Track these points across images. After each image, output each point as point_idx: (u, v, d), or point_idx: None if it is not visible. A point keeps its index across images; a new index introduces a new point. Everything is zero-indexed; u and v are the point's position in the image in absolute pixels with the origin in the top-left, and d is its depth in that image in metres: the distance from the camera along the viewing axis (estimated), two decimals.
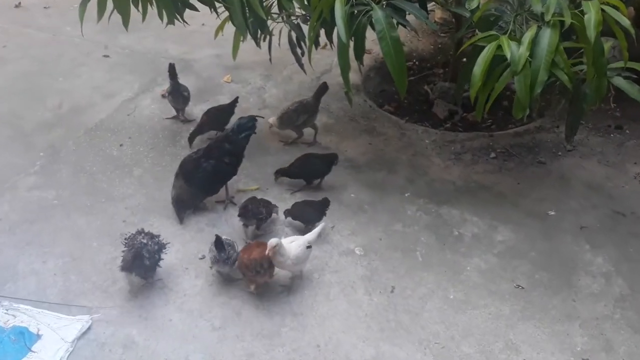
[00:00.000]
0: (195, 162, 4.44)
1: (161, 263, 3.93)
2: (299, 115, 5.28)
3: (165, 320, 3.75)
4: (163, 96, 5.85)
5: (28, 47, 6.82)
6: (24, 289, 3.90)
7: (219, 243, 3.82)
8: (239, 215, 4.30)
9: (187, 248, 4.25)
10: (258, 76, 6.36)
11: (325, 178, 4.86)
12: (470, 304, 3.94)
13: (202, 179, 4.41)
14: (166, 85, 5.86)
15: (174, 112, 5.56)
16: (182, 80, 5.57)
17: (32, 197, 4.65)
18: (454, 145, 5.42)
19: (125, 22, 4.50)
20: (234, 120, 5.06)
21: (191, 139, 5.15)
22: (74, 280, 3.97)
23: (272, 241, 3.74)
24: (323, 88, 5.33)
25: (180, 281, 4.00)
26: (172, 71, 5.44)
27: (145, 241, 3.80)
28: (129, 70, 6.35)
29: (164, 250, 3.89)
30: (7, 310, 3.75)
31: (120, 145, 5.26)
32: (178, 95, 5.51)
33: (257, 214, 4.28)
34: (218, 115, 5.28)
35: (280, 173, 4.82)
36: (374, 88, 6.40)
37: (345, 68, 4.07)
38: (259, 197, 4.48)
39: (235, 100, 5.39)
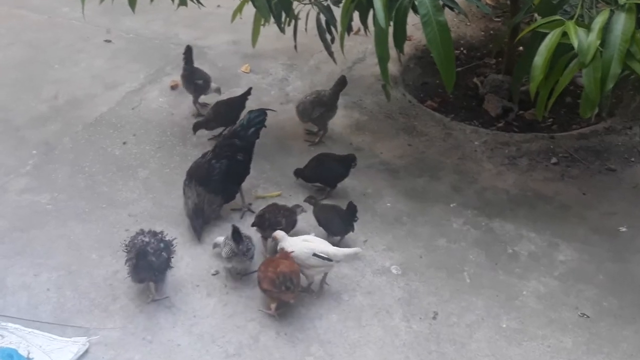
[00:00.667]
0: (207, 165, 4.52)
1: (169, 278, 3.97)
2: (314, 108, 5.33)
3: (172, 345, 3.78)
4: (172, 87, 5.93)
5: (20, 31, 6.97)
6: (14, 305, 3.97)
7: (236, 234, 3.89)
8: (253, 225, 4.34)
9: (198, 262, 4.29)
10: (280, 66, 6.41)
11: (344, 182, 4.89)
12: (526, 334, 3.90)
13: (219, 181, 4.49)
14: (176, 75, 5.96)
15: (184, 107, 5.63)
16: None
17: (23, 201, 4.74)
18: (508, 147, 5.39)
19: (132, 2, 4.57)
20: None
21: (195, 128, 5.25)
22: (70, 297, 4.03)
23: (279, 232, 3.97)
24: (342, 82, 5.36)
25: (190, 300, 4.03)
26: (187, 55, 5.55)
27: (147, 239, 3.85)
28: (133, 58, 6.44)
29: (172, 248, 3.93)
30: None
31: (124, 143, 5.34)
32: (190, 82, 5.60)
33: (275, 224, 4.30)
34: (227, 110, 5.33)
35: (297, 174, 4.90)
36: (415, 80, 6.40)
37: (383, 57, 4.07)
38: (280, 203, 4.51)
39: (247, 93, 5.42)
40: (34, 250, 4.34)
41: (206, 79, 5.65)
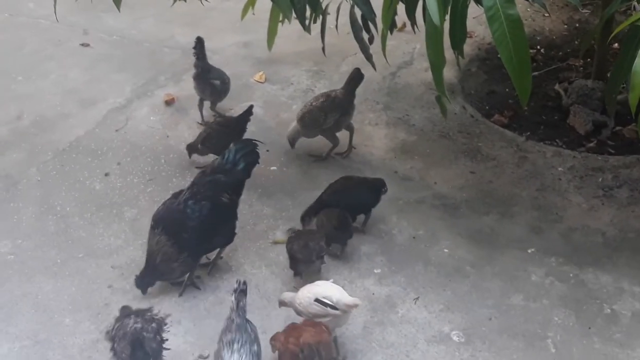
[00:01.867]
0: (181, 207, 4.47)
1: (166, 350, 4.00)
2: (326, 115, 5.40)
3: None
4: (167, 103, 6.03)
5: None
6: None
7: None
8: (293, 265, 4.51)
9: (200, 328, 4.31)
10: (304, 73, 6.49)
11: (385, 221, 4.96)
12: None
13: (195, 231, 4.44)
14: (172, 87, 6.08)
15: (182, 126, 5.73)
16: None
17: None
18: (603, 175, 5.38)
19: None
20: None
21: (189, 151, 5.39)
22: None
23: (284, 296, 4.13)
24: (356, 76, 5.46)
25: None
26: (199, 49, 5.73)
27: (139, 324, 3.86)
28: (117, 67, 6.57)
29: (164, 328, 3.95)
30: None
31: (106, 174, 5.42)
32: (204, 82, 5.76)
33: (320, 252, 4.51)
34: (220, 134, 5.37)
35: (308, 215, 4.89)
36: (478, 89, 6.44)
37: (437, 61, 4.10)
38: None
39: (248, 112, 5.46)
40: None
41: (224, 80, 5.80)
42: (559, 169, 5.45)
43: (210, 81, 5.76)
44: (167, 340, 3.95)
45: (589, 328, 4.30)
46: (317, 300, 4.00)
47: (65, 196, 5.23)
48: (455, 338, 4.25)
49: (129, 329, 3.85)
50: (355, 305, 4.05)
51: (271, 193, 5.23)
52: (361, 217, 4.96)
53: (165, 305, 4.34)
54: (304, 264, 4.50)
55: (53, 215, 5.07)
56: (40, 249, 4.83)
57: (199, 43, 5.75)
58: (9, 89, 6.36)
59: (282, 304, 4.20)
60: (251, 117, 5.45)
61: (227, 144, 5.00)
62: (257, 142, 4.72)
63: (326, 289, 4.09)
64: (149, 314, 3.96)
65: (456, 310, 4.41)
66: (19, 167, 5.50)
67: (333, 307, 3.99)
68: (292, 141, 5.53)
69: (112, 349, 3.89)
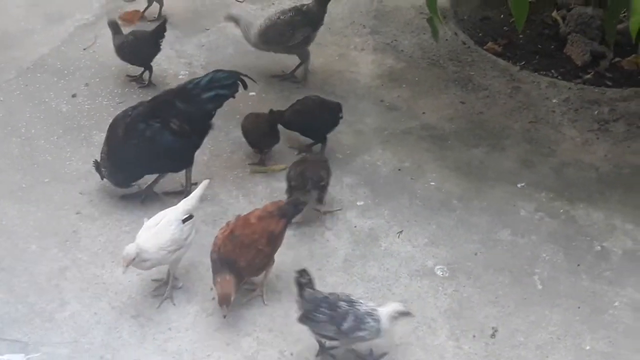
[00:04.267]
0: (129, 124, 4.54)
1: (130, 279, 4.08)
2: (294, 29, 5.43)
3: None
4: (124, 21, 5.99)
5: None
6: None
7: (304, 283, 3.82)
8: (289, 191, 4.54)
9: None
10: None
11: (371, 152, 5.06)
12: (617, 359, 3.98)
13: (132, 148, 4.51)
14: (142, 2, 6.06)
15: None
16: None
17: None
18: (599, 108, 5.45)
19: None
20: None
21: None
22: (2, 301, 4.13)
23: (128, 250, 3.90)
24: None
25: (163, 307, 4.14)
26: None
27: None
28: None
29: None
30: None
31: (73, 95, 5.45)
32: None
33: (319, 181, 4.55)
34: (133, 44, 5.48)
35: (273, 115, 5.00)
36: (472, 14, 6.44)
37: None
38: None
39: (161, 27, 5.51)
40: None
41: None
42: (554, 100, 5.51)
43: None
44: None
45: (578, 265, 4.41)
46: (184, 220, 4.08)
47: (30, 117, 5.26)
48: (439, 272, 4.36)
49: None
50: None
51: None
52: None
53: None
54: (298, 191, 4.53)
55: (17, 138, 5.10)
56: (3, 172, 4.86)
57: None
58: None
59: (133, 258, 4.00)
60: (165, 33, 5.50)
61: (140, 55, 5.46)
62: (242, 76, 4.70)
63: (183, 207, 4.13)
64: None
65: (441, 245, 4.51)
66: None
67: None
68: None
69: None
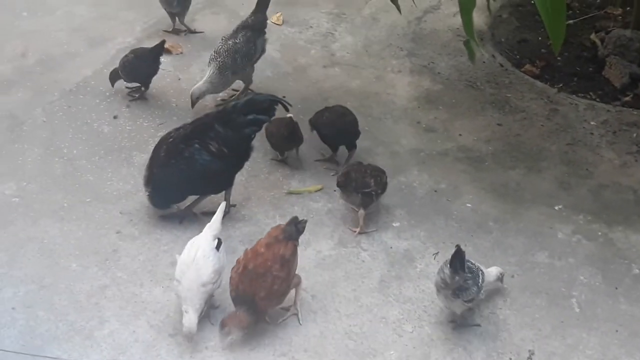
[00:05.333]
0: (170, 145, 4.61)
1: (167, 298, 4.12)
2: (255, 43, 5.53)
3: None
4: (170, 51, 6.08)
5: None
6: None
7: (457, 259, 3.90)
8: (338, 185, 4.66)
9: None
10: (324, 16, 6.53)
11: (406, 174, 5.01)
12: None
13: (173, 174, 4.58)
14: (183, 27, 6.15)
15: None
16: (207, 21, 5.76)
17: None
18: (638, 130, 5.44)
19: None
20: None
21: (111, 79, 5.62)
22: (43, 319, 4.17)
23: (189, 327, 3.93)
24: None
25: (200, 326, 4.11)
26: None
27: None
28: (127, 4, 6.63)
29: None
30: None
31: (115, 117, 5.52)
32: None
33: (363, 186, 4.60)
34: (134, 63, 5.58)
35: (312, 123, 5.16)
36: (509, 37, 6.45)
37: (467, 4, 4.13)
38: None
39: (160, 45, 5.64)
40: None
41: None
42: (592, 122, 5.50)
43: None
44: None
45: (616, 288, 4.38)
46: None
47: (72, 138, 5.33)
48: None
49: None
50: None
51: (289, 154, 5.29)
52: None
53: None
54: (342, 190, 4.67)
55: (59, 158, 5.17)
56: (46, 192, 4.92)
57: None
58: (13, 25, 6.43)
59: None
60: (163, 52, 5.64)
61: (141, 72, 5.59)
62: (280, 101, 4.75)
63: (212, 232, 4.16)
64: None
65: None
66: (24, 107, 5.58)
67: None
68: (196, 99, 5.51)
69: None
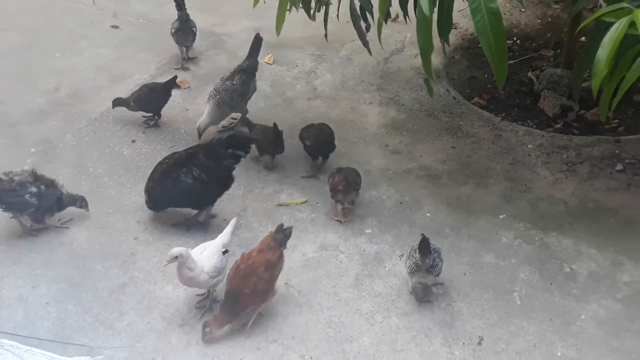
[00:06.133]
0: (164, 168, 4.65)
1: (177, 294, 4.08)
2: (249, 84, 5.51)
3: None
4: (180, 86, 6.08)
5: (15, 14, 7.17)
6: (10, 320, 4.11)
7: (424, 245, 4.00)
8: (338, 189, 4.72)
9: None
10: (308, 57, 6.54)
11: (378, 189, 5.01)
12: None
13: (165, 189, 4.63)
14: (190, 65, 6.16)
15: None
16: (211, 59, 5.75)
17: None
18: (567, 152, 5.45)
19: None
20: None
21: (114, 103, 5.59)
22: (72, 312, 4.16)
23: (174, 250, 3.93)
24: (258, 41, 5.58)
25: (205, 317, 4.13)
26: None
27: None
28: (143, 46, 6.61)
29: None
30: None
31: (133, 141, 5.50)
32: (187, 29, 6.13)
33: (355, 185, 4.79)
34: (149, 95, 5.60)
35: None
36: (460, 74, 6.48)
37: (426, 48, 4.16)
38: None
39: (172, 80, 5.70)
40: (32, 260, 4.49)
41: (196, 27, 6.29)
42: (529, 146, 5.51)
43: (191, 29, 6.20)
44: None
45: (551, 284, 4.40)
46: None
47: (97, 159, 5.31)
48: (434, 290, 4.34)
49: None
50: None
51: (277, 161, 5.29)
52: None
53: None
54: (341, 193, 4.72)
55: (86, 176, 5.15)
56: None
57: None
58: (48, 64, 6.39)
59: (171, 257, 3.97)
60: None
61: (154, 104, 5.60)
62: (255, 140, 4.84)
63: (222, 241, 4.17)
64: None
65: None
66: (57, 133, 5.56)
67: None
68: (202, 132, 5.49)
69: None
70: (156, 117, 5.65)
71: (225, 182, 4.70)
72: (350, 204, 4.79)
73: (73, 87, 6.08)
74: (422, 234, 4.08)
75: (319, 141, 5.16)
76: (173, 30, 6.23)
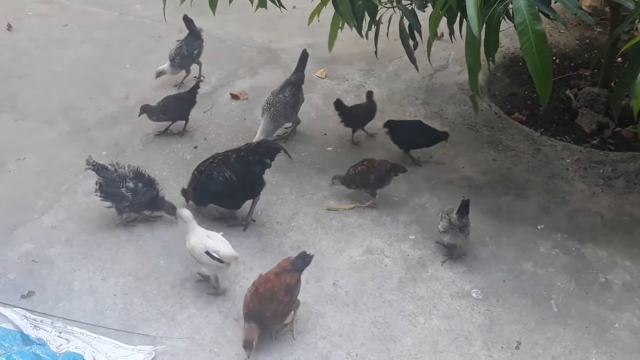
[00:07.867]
0: (205, 167, 4.71)
1: (234, 289, 4.08)
2: (298, 95, 5.50)
3: None
4: (235, 97, 6.08)
5: (91, 29, 7.31)
6: (80, 309, 4.17)
7: (464, 208, 4.21)
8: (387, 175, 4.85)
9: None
10: (357, 72, 6.52)
11: (421, 198, 4.96)
12: None
13: (205, 186, 4.68)
14: (248, 79, 6.17)
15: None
16: (267, 73, 5.74)
17: (91, 203, 4.92)
18: (604, 167, 5.34)
19: (213, 3, 4.73)
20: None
21: (141, 110, 5.55)
22: (137, 304, 4.20)
23: (180, 210, 4.25)
24: (305, 56, 5.55)
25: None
26: (189, 23, 6.20)
27: None
28: (206, 60, 6.63)
29: None
30: (60, 332, 4.00)
31: (195, 147, 5.54)
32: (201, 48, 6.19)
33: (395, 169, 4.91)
34: (175, 104, 5.59)
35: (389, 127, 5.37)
36: (502, 91, 6.40)
37: (473, 67, 4.10)
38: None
39: (196, 87, 5.66)
40: (102, 254, 4.54)
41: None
42: (567, 160, 5.41)
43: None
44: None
45: (586, 293, 4.30)
46: (207, 252, 4.08)
47: (162, 163, 5.36)
48: (474, 295, 4.28)
49: None
50: (235, 258, 4.12)
51: (327, 169, 5.26)
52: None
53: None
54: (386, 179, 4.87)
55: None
56: None
57: (186, 19, 6.25)
58: (119, 75, 6.49)
59: (178, 217, 4.28)
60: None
61: (180, 112, 5.60)
62: (282, 150, 4.67)
63: (215, 243, 4.12)
64: None
65: (476, 272, 4.44)
66: (126, 138, 5.63)
67: (219, 260, 4.08)
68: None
69: None
70: (184, 123, 5.68)
71: (254, 186, 4.70)
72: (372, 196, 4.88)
73: (141, 96, 6.13)
74: (464, 196, 4.33)
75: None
76: (196, 52, 6.30)
